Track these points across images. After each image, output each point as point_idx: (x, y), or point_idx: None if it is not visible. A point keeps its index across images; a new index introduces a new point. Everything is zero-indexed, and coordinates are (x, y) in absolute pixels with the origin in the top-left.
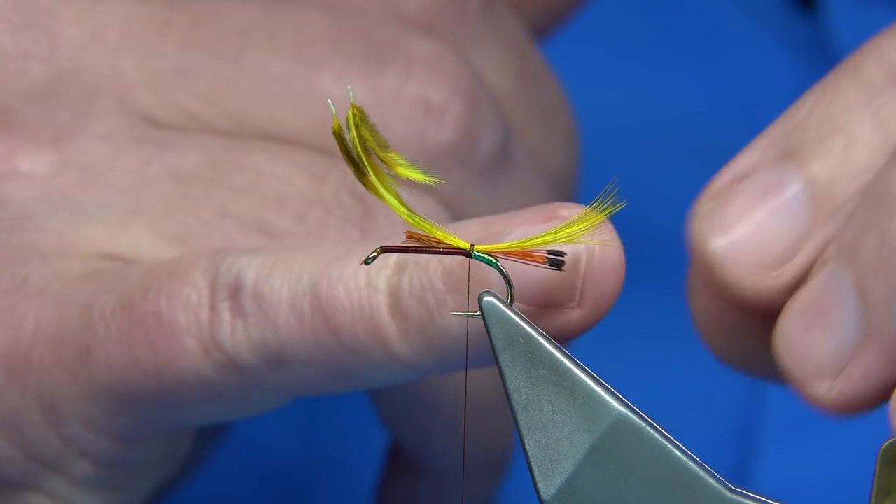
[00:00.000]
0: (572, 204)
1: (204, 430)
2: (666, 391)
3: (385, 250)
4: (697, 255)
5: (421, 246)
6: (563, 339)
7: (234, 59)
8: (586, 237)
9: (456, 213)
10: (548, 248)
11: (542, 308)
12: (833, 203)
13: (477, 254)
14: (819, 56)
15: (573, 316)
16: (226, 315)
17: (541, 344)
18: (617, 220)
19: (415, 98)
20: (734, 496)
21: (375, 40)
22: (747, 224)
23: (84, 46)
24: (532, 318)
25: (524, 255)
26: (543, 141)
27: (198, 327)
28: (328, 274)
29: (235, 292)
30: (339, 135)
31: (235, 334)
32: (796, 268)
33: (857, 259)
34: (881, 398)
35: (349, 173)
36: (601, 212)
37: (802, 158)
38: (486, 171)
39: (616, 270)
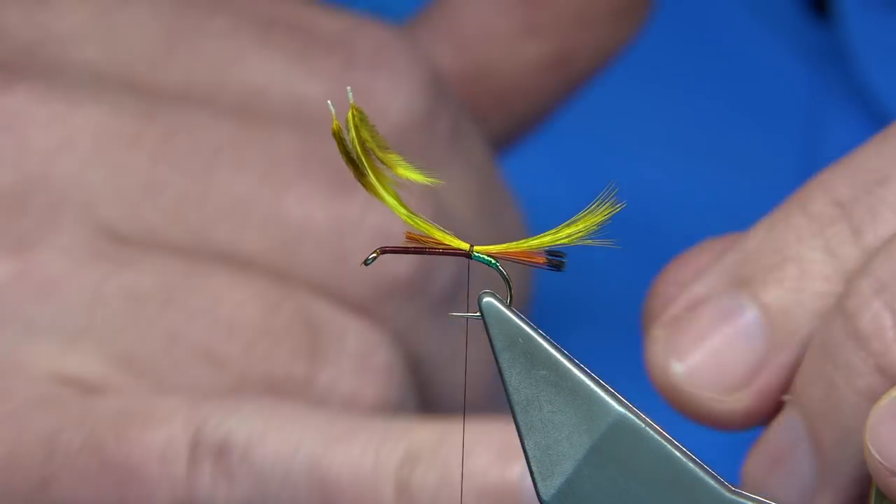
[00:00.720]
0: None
1: None
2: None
3: (385, 251)
4: (657, 379)
5: (420, 247)
6: None
7: (202, 176)
8: (586, 238)
9: (406, 345)
10: (548, 249)
11: None
12: (789, 329)
13: (476, 254)
14: (833, 64)
15: None
16: (206, 473)
17: (540, 344)
18: (626, 225)
19: (376, 228)
20: (734, 496)
21: (343, 167)
22: (705, 349)
23: (54, 153)
24: None
25: (524, 256)
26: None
27: (171, 483)
28: (333, 453)
29: (222, 452)
30: (338, 135)
31: (216, 494)
32: (755, 392)
33: (806, 407)
34: None
35: (306, 301)
36: (601, 213)
37: (757, 286)
38: (439, 305)
39: None
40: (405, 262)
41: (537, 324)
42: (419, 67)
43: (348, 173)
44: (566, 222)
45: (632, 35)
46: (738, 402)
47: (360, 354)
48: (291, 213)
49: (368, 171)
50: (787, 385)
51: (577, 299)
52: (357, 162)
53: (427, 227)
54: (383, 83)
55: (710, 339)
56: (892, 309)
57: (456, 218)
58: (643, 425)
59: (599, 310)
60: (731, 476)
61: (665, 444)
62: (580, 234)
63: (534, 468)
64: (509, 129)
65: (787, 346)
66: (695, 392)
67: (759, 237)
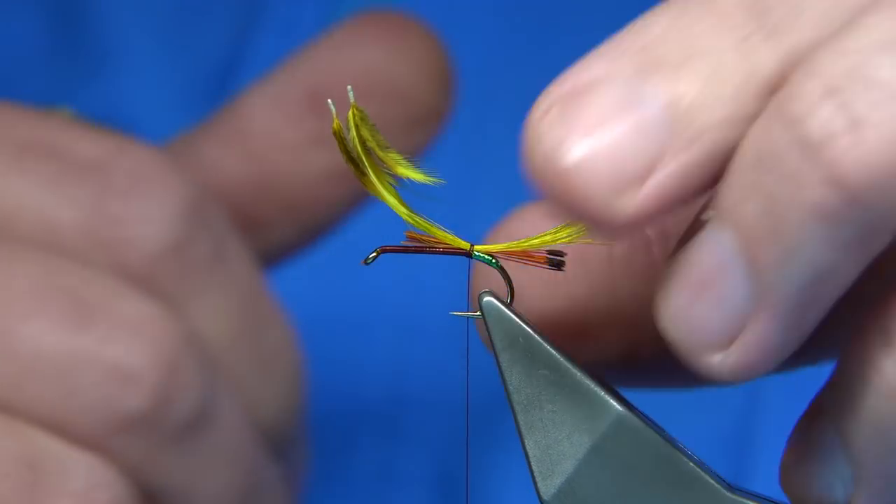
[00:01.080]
0: None
1: None
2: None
3: (385, 250)
4: (540, 164)
5: (421, 246)
6: None
7: None
8: (587, 237)
9: (145, 481)
10: (548, 248)
11: None
12: (695, 128)
13: (477, 254)
14: None
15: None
16: None
17: (541, 344)
18: None
19: (111, 363)
20: (734, 496)
21: (85, 298)
22: (602, 137)
23: None
24: None
25: (524, 255)
26: (261, 390)
27: None
28: None
29: None
30: (338, 135)
31: None
32: (650, 191)
33: (741, 224)
34: (775, 364)
35: (30, 437)
36: None
37: (665, 77)
38: (179, 438)
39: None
40: (138, 398)
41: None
42: (177, 192)
43: (90, 304)
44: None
45: (425, 145)
46: (628, 201)
47: (83, 491)
48: (23, 345)
49: (369, 170)
50: (684, 194)
51: None
52: (357, 161)
53: (427, 226)
54: (137, 211)
55: (609, 127)
56: (847, 113)
57: (211, 339)
58: (643, 424)
59: None
60: (731, 476)
61: (665, 443)
62: (581, 233)
63: (534, 467)
64: (298, 236)
65: (693, 146)
66: (586, 183)
67: (661, 25)
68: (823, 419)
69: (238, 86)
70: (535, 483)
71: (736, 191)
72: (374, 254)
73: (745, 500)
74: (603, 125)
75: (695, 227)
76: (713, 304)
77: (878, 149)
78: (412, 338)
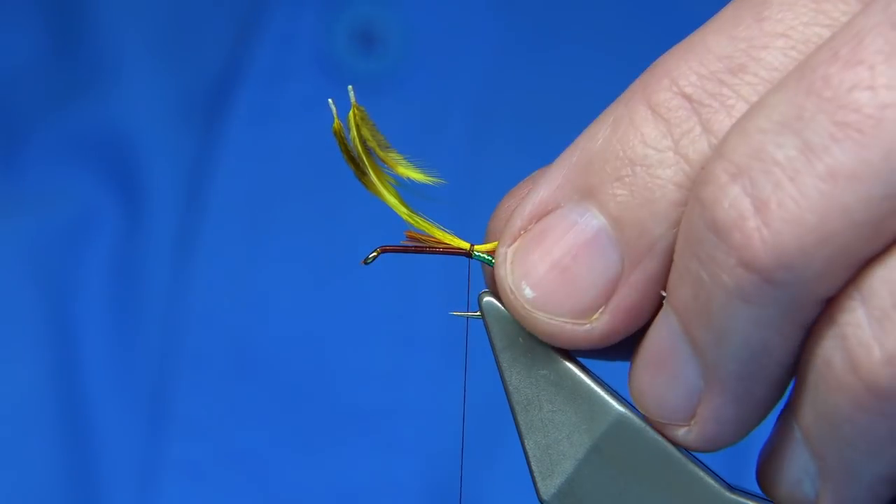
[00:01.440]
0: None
1: None
2: None
3: (385, 250)
4: (508, 304)
5: (421, 246)
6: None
7: None
8: None
9: None
10: None
11: None
12: (642, 243)
13: (477, 254)
14: None
15: None
16: None
17: (541, 344)
18: None
19: None
20: (734, 496)
21: None
22: (554, 269)
23: None
24: None
25: None
26: None
27: None
28: None
29: None
30: (339, 134)
31: None
32: (614, 311)
33: (678, 307)
34: (741, 435)
35: None
36: None
37: (604, 196)
38: None
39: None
40: None
41: None
42: None
43: None
44: None
45: None
46: (597, 323)
47: None
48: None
49: (369, 170)
50: (653, 297)
51: None
52: (358, 161)
53: (428, 226)
54: None
55: (559, 258)
56: (751, 194)
57: None
58: (643, 424)
59: None
60: (731, 476)
61: (665, 443)
62: None
63: (534, 467)
64: None
65: (644, 260)
66: (547, 318)
67: (602, 136)
68: (788, 416)
69: (236, 98)
70: (534, 483)
71: (674, 275)
72: (374, 253)
73: (744, 501)
74: (550, 260)
75: (651, 311)
76: (669, 383)
77: (784, 230)
78: (405, 345)
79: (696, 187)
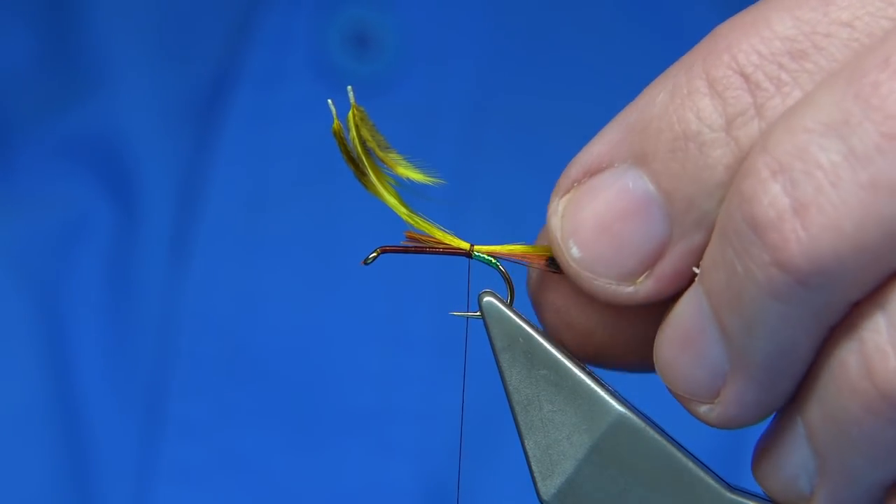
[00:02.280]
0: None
1: None
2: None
3: (385, 250)
4: (557, 256)
5: (421, 246)
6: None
7: None
8: None
9: None
10: (548, 251)
11: None
12: (692, 217)
13: (477, 254)
14: None
15: None
16: None
17: (541, 344)
18: None
19: None
20: (734, 496)
21: None
22: (603, 232)
23: None
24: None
25: (524, 257)
26: None
27: None
28: None
29: None
30: (339, 135)
31: None
32: (659, 277)
33: (710, 290)
34: (760, 419)
35: None
36: None
37: (658, 165)
38: None
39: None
40: None
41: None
42: None
43: None
44: None
45: None
46: (641, 287)
47: None
48: None
49: (369, 170)
50: (693, 268)
51: None
52: (358, 161)
53: (428, 226)
54: None
55: (608, 220)
56: (791, 195)
57: None
58: (643, 424)
59: None
60: (731, 476)
61: (665, 443)
62: None
63: (534, 467)
64: None
65: (690, 232)
66: (592, 278)
67: (660, 103)
68: (792, 410)
69: (230, 101)
70: (535, 483)
71: (708, 256)
72: (374, 254)
73: (744, 500)
74: (599, 222)
75: (689, 279)
76: (695, 360)
77: (823, 236)
78: (404, 346)
79: (737, 177)
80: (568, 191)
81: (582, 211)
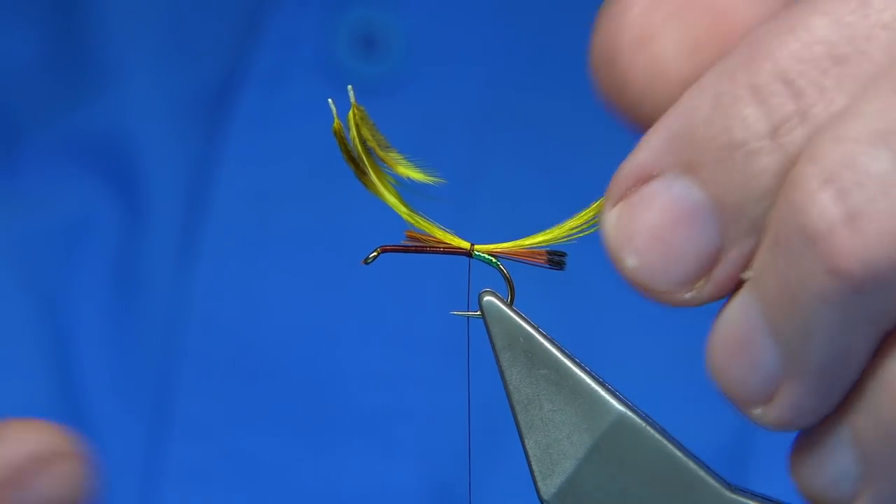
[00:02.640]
0: None
1: None
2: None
3: (385, 250)
4: (615, 265)
5: (421, 245)
6: None
7: None
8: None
9: None
10: (548, 248)
11: None
12: (743, 224)
13: (477, 253)
14: None
15: None
16: None
17: (541, 344)
18: None
19: None
20: (734, 496)
21: None
22: (656, 242)
23: None
24: None
25: (525, 255)
26: None
27: None
28: None
29: None
30: (339, 134)
31: None
32: (716, 283)
33: (764, 296)
34: (813, 423)
35: None
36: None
37: (707, 174)
38: None
39: None
40: None
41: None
42: None
43: None
44: (567, 219)
45: None
46: (701, 292)
47: None
48: None
49: (369, 169)
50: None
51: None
52: (358, 161)
53: (428, 225)
54: None
55: (661, 230)
56: (841, 205)
57: None
58: (644, 424)
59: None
60: (732, 476)
61: (666, 443)
62: (579, 233)
63: (534, 467)
64: None
65: (742, 238)
66: (651, 286)
67: (706, 108)
68: (840, 415)
69: (237, 101)
70: (535, 483)
71: (760, 261)
72: (374, 253)
73: (745, 500)
74: (653, 232)
75: (739, 283)
76: (748, 366)
77: (876, 242)
78: (406, 346)
79: (786, 187)
80: (619, 199)
81: (635, 221)
